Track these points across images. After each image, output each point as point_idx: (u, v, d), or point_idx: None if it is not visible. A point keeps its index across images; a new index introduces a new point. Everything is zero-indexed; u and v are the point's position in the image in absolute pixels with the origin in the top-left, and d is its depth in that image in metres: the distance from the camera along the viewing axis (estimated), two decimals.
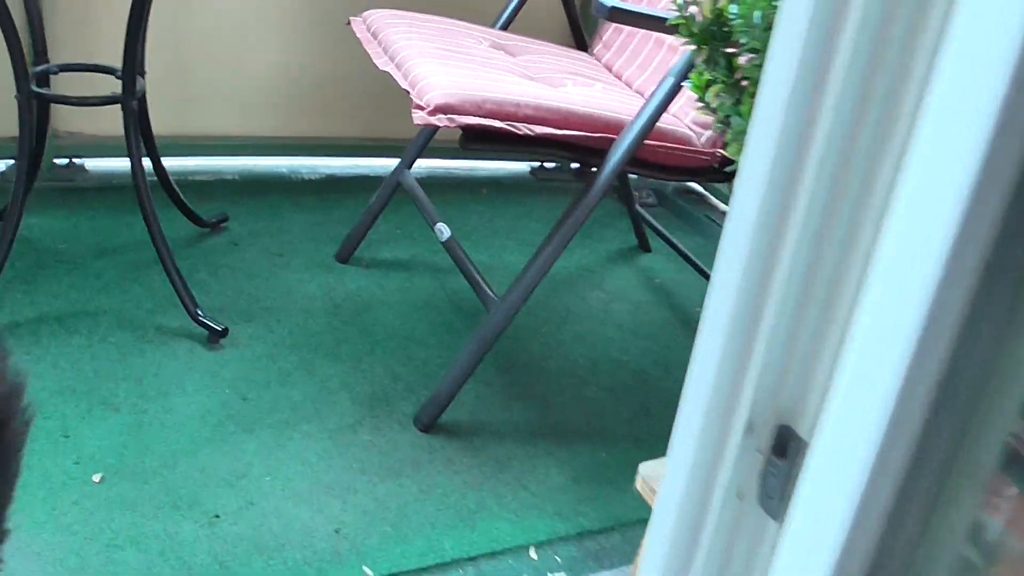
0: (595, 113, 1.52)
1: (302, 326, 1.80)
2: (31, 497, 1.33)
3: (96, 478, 1.39)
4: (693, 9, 0.89)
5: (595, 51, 2.03)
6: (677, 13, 1.00)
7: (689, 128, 1.60)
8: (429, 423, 1.56)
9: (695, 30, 0.84)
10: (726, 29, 0.84)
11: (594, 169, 1.55)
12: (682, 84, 1.41)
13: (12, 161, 1.99)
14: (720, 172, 1.60)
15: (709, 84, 0.90)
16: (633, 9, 1.40)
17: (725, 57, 0.84)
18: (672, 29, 1.03)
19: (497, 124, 1.45)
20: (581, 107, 1.52)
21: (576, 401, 1.72)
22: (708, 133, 1.57)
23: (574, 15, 2.04)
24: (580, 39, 2.06)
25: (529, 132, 1.46)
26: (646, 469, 1.07)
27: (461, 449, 1.54)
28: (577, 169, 2.56)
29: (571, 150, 1.55)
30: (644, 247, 2.27)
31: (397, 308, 1.90)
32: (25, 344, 1.63)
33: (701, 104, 0.94)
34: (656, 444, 1.61)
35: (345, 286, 1.94)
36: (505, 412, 1.65)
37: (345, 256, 2.02)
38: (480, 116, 1.44)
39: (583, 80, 1.75)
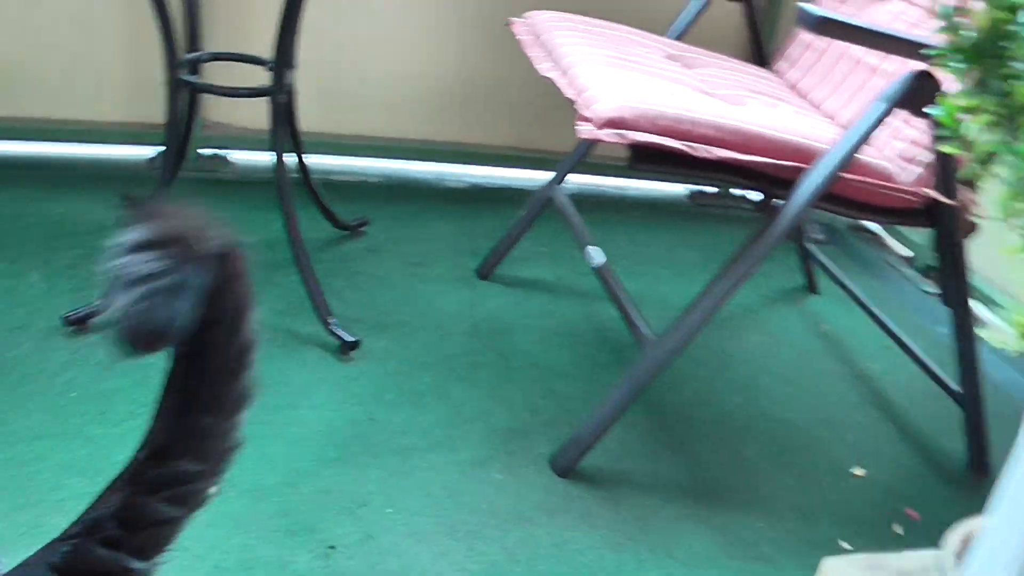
0: (783, 138, 1.37)
1: (437, 344, 1.70)
2: None
3: (212, 489, 1.32)
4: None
5: (776, 67, 1.87)
6: (911, 29, 0.85)
7: (892, 162, 1.42)
8: (568, 467, 1.44)
9: (966, 45, 0.68)
10: (1006, 44, 0.68)
11: (775, 201, 1.40)
12: (895, 111, 1.24)
13: (163, 148, 1.98)
14: (923, 215, 1.42)
15: (967, 112, 0.74)
16: (850, 22, 1.24)
17: (1002, 80, 0.68)
18: (904, 50, 0.87)
19: (673, 144, 1.31)
20: (767, 130, 1.37)
21: (731, 459, 1.55)
22: (916, 170, 1.39)
23: (757, 26, 1.89)
24: (761, 54, 1.90)
25: (708, 155, 1.32)
26: (833, 567, 0.91)
27: (601, 501, 1.41)
28: (760, 201, 2.38)
29: (752, 178, 1.40)
30: (812, 288, 2.09)
31: (539, 334, 1.78)
32: None
33: (950, 136, 0.78)
34: (822, 520, 1.44)
35: (484, 304, 1.84)
36: (651, 463, 1.51)
37: (486, 272, 1.92)
38: (654, 133, 1.31)
39: (766, 99, 1.59)
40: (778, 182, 1.38)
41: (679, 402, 1.67)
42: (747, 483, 1.51)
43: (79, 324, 1.58)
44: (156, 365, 1.55)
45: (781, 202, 1.37)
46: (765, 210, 1.36)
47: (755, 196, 2.36)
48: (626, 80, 1.45)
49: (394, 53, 2.17)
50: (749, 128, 1.36)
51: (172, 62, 1.61)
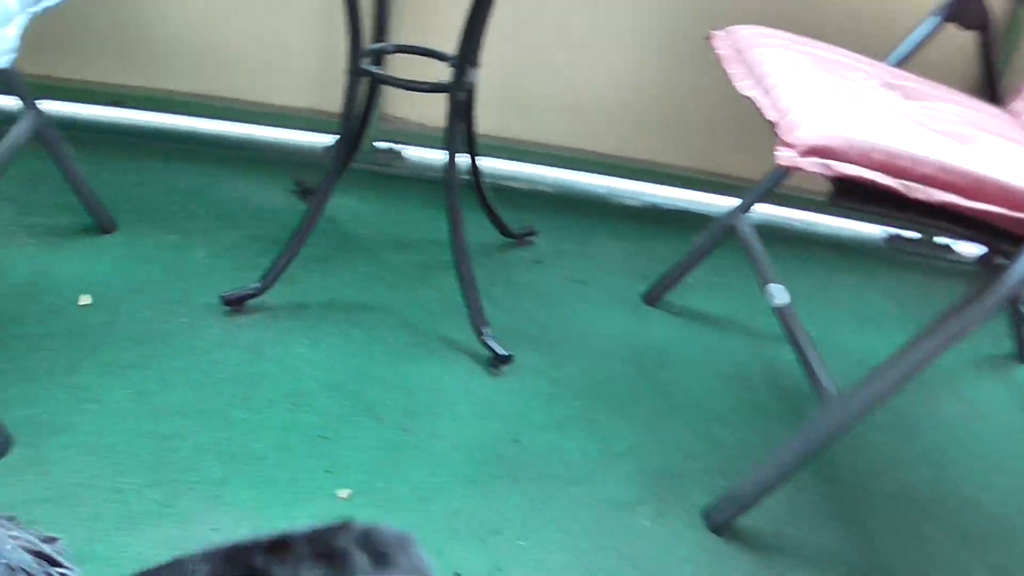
0: (1020, 185, 1.19)
1: (592, 369, 1.61)
2: (274, 497, 1.24)
3: (343, 494, 1.28)
4: None
5: (1011, 107, 1.67)
6: None
7: None
8: (723, 524, 1.31)
9: None
10: None
11: (1000, 257, 1.22)
12: None
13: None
14: None
15: None
16: None
17: None
18: None
19: (886, 181, 1.17)
20: (1000, 174, 1.20)
21: (910, 540, 1.38)
22: None
23: (991, 59, 1.69)
24: (994, 90, 1.71)
25: (926, 197, 1.16)
26: None
27: (756, 567, 1.27)
28: (983, 255, 2.14)
29: (975, 228, 1.23)
30: (1022, 357, 1.86)
31: (704, 371, 1.66)
32: (306, 327, 1.58)
33: None
34: None
35: (648, 332, 1.73)
36: (818, 533, 1.36)
37: (654, 298, 1.81)
38: (865, 167, 1.17)
39: (1000, 140, 1.41)
40: (1006, 236, 1.21)
41: (856, 468, 1.51)
42: (927, 570, 1.33)
43: (235, 304, 1.59)
44: (304, 355, 1.53)
45: (1005, 260, 1.20)
46: (988, 265, 1.19)
47: (966, 247, 2.15)
48: (836, 106, 1.31)
49: (581, 61, 2.10)
50: (979, 171, 1.19)
51: (356, 51, 1.59)
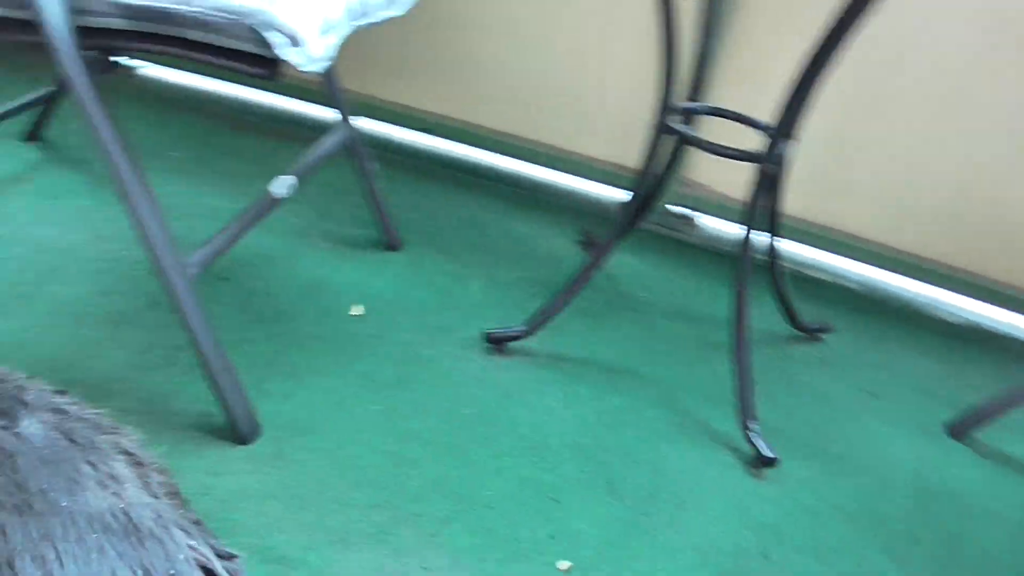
0: None
1: (869, 495, 1.43)
2: (492, 548, 1.20)
3: (563, 565, 1.21)
4: None
5: None
6: None
7: None
8: None
9: None
10: None
11: None
12: None
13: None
14: None
15: None
16: None
17: None
18: None
19: None
20: None
21: None
22: None
23: None
24: None
25: None
26: None
27: None
28: None
29: None
30: None
31: (1008, 530, 1.42)
32: (563, 381, 1.54)
33: None
34: None
35: (945, 469, 1.52)
36: None
37: (961, 431, 1.59)
38: None
39: None
40: None
41: None
42: None
43: (497, 344, 1.58)
44: (555, 409, 1.48)
45: None
46: None
47: None
48: None
49: (918, 152, 1.93)
50: None
51: (665, 107, 1.55)
